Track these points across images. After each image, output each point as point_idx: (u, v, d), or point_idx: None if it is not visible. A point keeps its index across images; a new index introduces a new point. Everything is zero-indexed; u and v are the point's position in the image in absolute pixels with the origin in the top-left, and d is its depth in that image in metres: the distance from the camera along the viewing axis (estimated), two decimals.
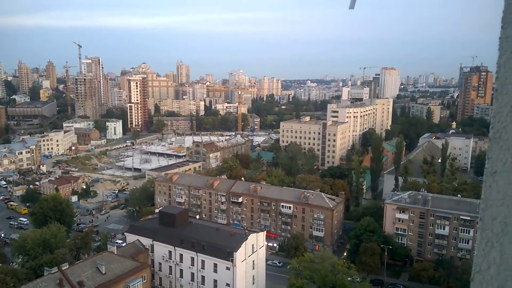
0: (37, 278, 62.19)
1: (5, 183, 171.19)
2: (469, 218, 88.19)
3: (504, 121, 1.95)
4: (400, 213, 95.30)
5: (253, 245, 72.87)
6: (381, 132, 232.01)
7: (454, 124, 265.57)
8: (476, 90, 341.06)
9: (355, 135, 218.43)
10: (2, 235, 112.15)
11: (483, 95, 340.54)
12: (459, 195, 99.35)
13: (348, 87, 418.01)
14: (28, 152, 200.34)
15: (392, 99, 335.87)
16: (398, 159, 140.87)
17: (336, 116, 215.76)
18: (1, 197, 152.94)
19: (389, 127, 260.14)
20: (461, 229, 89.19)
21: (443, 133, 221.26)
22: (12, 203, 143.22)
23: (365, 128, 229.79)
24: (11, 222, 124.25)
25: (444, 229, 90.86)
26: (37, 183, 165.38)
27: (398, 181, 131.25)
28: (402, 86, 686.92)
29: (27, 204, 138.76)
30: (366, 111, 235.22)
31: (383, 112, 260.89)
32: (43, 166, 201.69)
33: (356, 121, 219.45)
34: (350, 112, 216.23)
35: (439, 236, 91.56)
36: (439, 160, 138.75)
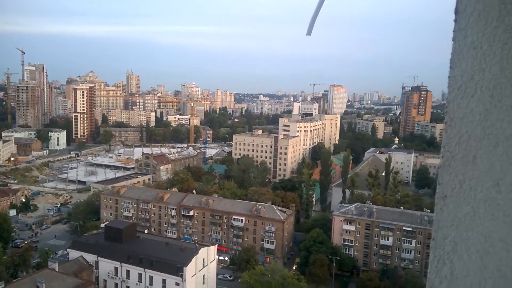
0: None
1: None
2: (411, 229, 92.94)
3: (453, 151, 2.17)
4: (347, 224, 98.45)
5: (204, 259, 72.01)
6: (329, 146, 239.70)
7: (396, 140, 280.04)
8: (416, 108, 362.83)
9: (305, 149, 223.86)
10: None
11: (423, 113, 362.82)
12: (401, 207, 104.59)
13: (298, 102, 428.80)
14: None
15: (340, 115, 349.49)
16: (345, 173, 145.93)
17: (288, 130, 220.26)
18: None
19: (337, 142, 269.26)
20: (404, 239, 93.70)
21: (387, 148, 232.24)
22: None
23: (315, 142, 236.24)
24: None
25: (388, 239, 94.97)
26: None
27: (345, 193, 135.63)
28: (349, 103, 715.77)
29: None
30: (316, 125, 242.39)
31: (331, 127, 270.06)
32: None
33: (306, 135, 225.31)
34: (301, 127, 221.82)
35: (383, 247, 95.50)
36: (383, 174, 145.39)
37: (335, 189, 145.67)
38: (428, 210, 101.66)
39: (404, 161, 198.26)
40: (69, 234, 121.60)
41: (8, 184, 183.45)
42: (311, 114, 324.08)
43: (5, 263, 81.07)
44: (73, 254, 75.74)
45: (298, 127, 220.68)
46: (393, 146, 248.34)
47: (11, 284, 60.15)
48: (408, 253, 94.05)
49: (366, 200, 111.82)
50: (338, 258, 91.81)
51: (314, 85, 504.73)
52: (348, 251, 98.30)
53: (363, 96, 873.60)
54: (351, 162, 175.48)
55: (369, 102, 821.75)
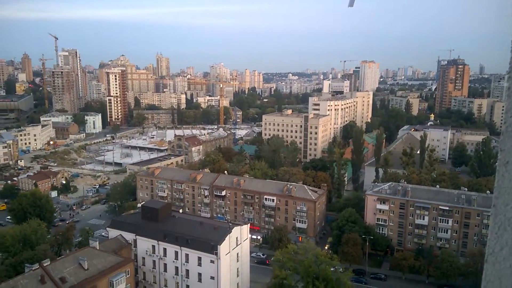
0: (18, 275, 61.05)
1: None
2: (447, 208, 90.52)
3: None
4: (380, 204, 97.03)
5: (237, 238, 73.10)
6: (361, 125, 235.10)
7: (432, 116, 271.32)
8: (453, 83, 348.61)
9: (336, 128, 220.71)
10: None
11: (460, 87, 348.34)
12: (437, 186, 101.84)
13: (329, 80, 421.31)
14: (5, 147, 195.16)
15: (372, 92, 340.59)
16: (379, 151, 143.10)
17: (318, 109, 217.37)
18: None
19: (369, 120, 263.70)
20: (440, 219, 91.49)
21: (422, 125, 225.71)
22: None
23: (346, 121, 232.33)
24: None
25: (423, 219, 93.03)
26: (15, 178, 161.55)
27: (378, 172, 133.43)
28: (382, 79, 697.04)
29: (5, 200, 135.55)
30: (347, 104, 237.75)
31: (363, 105, 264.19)
32: (21, 161, 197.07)
33: (337, 114, 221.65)
34: (331, 105, 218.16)
35: (418, 226, 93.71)
36: (418, 152, 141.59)
37: (368, 168, 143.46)
38: (466, 189, 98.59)
39: (440, 138, 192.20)
40: (107, 214, 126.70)
41: (49, 167, 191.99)
42: (342, 92, 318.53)
43: (49, 242, 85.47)
44: (113, 233, 78.71)
45: (329, 105, 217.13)
46: (429, 123, 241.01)
47: (56, 261, 63.33)
48: (444, 232, 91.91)
49: (400, 179, 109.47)
50: (372, 237, 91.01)
51: (344, 61, 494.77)
52: (382, 230, 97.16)
53: (396, 72, 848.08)
54: (384, 140, 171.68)
55: (402, 77, 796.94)
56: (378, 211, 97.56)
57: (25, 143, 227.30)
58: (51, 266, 60.73)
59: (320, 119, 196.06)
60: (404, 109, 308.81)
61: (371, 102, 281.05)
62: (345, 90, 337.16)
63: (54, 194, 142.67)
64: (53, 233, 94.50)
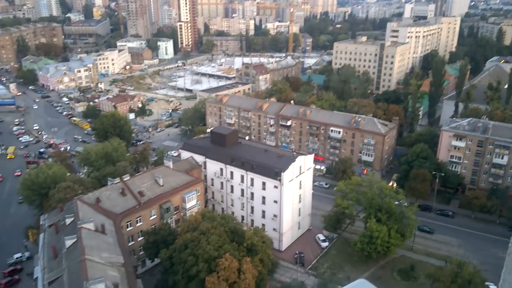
0: (102, 187, 67.82)
1: (67, 99, 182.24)
2: None
3: None
4: (457, 140, 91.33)
5: (300, 166, 73.98)
6: (444, 54, 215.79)
7: None
8: None
9: (416, 57, 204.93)
10: (68, 147, 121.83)
11: None
12: None
13: (411, 3, 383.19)
14: (86, 70, 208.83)
15: (460, 17, 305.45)
16: (461, 84, 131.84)
17: (396, 36, 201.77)
18: (64, 112, 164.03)
19: (454, 49, 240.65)
20: None
21: None
22: (74, 118, 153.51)
23: (427, 50, 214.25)
24: (75, 136, 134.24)
25: (502, 158, 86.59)
26: (96, 100, 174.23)
27: (458, 107, 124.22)
28: (472, 3, 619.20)
29: (88, 120, 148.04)
30: (430, 30, 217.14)
31: (448, 32, 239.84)
32: (100, 84, 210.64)
33: (418, 42, 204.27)
34: (412, 32, 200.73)
35: (496, 166, 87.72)
36: (506, 86, 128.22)
37: (447, 102, 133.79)
38: None
39: None
40: (180, 136, 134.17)
41: (126, 91, 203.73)
42: (425, 17, 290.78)
43: (128, 159, 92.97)
44: (185, 154, 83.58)
45: (409, 32, 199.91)
46: None
47: (134, 177, 69.35)
48: None
49: (482, 115, 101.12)
50: (443, 174, 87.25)
51: None
52: (455, 168, 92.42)
53: None
54: (468, 72, 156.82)
55: (497, 1, 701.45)
56: (453, 148, 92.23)
57: (104, 67, 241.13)
58: (131, 181, 66.73)
59: (398, 47, 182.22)
60: (496, 38, 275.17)
61: (457, 29, 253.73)
62: (430, 15, 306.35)
63: (131, 116, 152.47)
64: (132, 152, 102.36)
